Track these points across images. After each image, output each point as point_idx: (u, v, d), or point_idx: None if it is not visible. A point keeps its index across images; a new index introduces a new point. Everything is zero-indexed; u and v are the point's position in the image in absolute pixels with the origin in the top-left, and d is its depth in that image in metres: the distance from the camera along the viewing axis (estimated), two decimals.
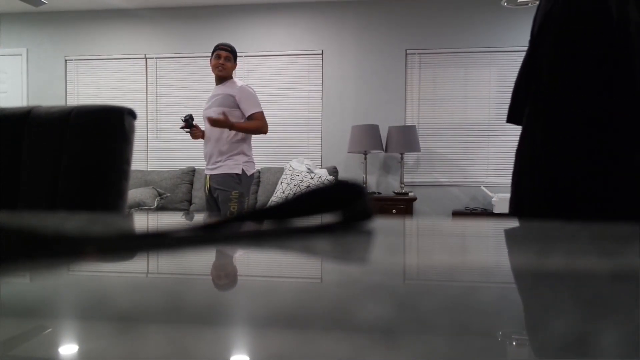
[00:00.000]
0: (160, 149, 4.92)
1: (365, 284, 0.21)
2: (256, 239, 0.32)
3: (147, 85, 4.93)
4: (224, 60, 2.85)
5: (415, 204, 4.53)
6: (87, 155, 0.96)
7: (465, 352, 0.13)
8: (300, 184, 4.09)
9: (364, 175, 4.40)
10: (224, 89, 2.83)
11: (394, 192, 4.33)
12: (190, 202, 4.53)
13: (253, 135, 2.89)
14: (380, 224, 0.41)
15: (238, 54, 4.79)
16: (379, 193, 4.45)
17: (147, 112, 4.93)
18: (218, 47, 2.90)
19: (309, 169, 4.25)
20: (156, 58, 4.90)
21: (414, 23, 4.57)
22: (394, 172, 4.59)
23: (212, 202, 2.84)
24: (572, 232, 0.36)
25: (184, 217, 0.48)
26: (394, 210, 4.11)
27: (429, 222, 0.45)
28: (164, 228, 0.32)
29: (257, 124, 2.78)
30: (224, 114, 2.69)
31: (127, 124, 0.98)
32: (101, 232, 0.35)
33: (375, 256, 0.27)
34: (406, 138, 4.17)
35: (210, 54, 4.78)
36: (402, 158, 4.35)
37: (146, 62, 4.92)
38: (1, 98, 5.09)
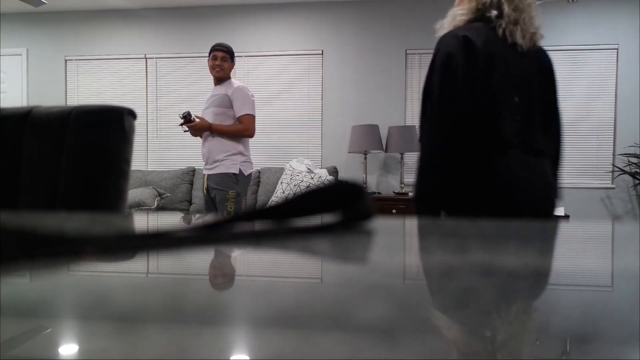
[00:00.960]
0: (160, 149, 4.92)
1: (365, 284, 0.21)
2: (256, 239, 0.32)
3: (147, 85, 4.93)
4: (221, 61, 2.87)
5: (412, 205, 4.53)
6: (87, 156, 0.96)
7: (464, 352, 0.13)
8: (300, 184, 4.09)
9: (364, 175, 4.39)
10: (222, 89, 2.84)
11: (394, 192, 4.33)
12: (190, 202, 4.53)
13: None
14: (380, 224, 0.41)
15: (237, 54, 4.80)
16: (379, 193, 4.45)
17: (147, 112, 4.93)
18: (214, 48, 2.92)
19: (309, 169, 4.25)
20: (156, 58, 4.90)
21: (414, 23, 4.57)
22: (394, 172, 4.59)
23: (210, 202, 2.84)
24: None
25: (183, 217, 0.48)
26: (394, 210, 4.11)
27: (429, 222, 0.45)
28: (164, 228, 0.32)
29: (238, 128, 2.77)
30: (200, 117, 2.74)
31: (127, 124, 0.98)
32: (101, 232, 0.35)
33: (375, 256, 0.27)
34: (406, 138, 4.16)
35: (207, 53, 4.79)
36: (402, 158, 4.35)
37: (146, 62, 4.92)
38: (1, 98, 5.09)
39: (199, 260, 0.27)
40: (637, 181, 4.19)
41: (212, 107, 2.81)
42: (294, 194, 0.37)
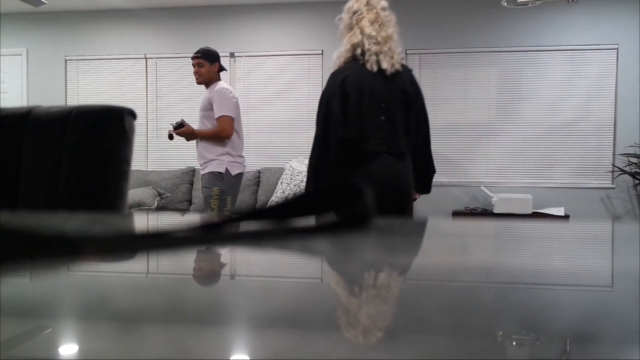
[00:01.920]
0: (160, 149, 4.92)
1: (364, 284, 0.21)
2: (256, 239, 0.32)
3: (147, 86, 4.93)
4: (197, 68, 2.93)
5: (415, 204, 4.52)
6: (87, 156, 0.96)
7: (464, 351, 0.13)
8: (300, 184, 4.09)
9: None
10: (208, 92, 2.92)
11: None
12: (190, 202, 4.53)
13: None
14: (380, 224, 0.41)
15: (237, 54, 4.80)
16: None
17: (147, 112, 4.93)
18: (192, 58, 2.98)
19: None
20: (156, 58, 4.90)
21: (414, 23, 4.57)
22: None
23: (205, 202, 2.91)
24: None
25: (183, 217, 0.48)
26: None
27: (429, 223, 0.45)
28: (164, 228, 0.32)
29: (214, 130, 2.82)
30: (182, 123, 2.84)
31: (127, 124, 0.98)
32: (101, 232, 0.35)
33: (375, 256, 0.27)
34: None
35: None
36: None
37: (146, 62, 4.92)
38: (1, 98, 5.09)
39: (199, 260, 0.27)
40: (637, 181, 4.19)
41: (200, 110, 2.91)
42: (294, 194, 0.37)
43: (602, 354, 0.13)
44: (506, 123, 4.46)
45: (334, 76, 1.78)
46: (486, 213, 4.23)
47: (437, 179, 4.64)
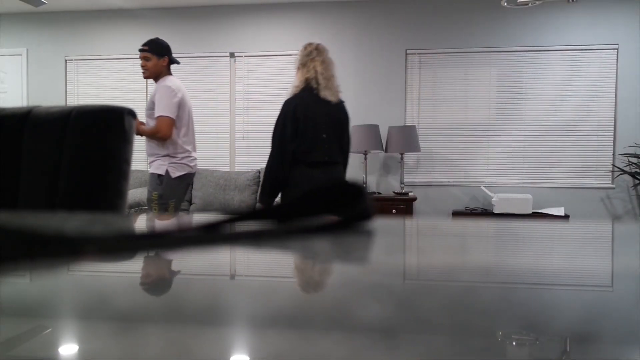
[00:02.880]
0: None
1: (364, 284, 0.21)
2: (256, 239, 0.32)
3: (147, 86, 4.93)
4: (144, 62, 2.78)
5: (415, 204, 4.53)
6: (87, 155, 0.96)
7: (464, 351, 0.13)
8: None
9: (364, 175, 4.40)
10: (154, 89, 2.79)
11: (394, 192, 4.33)
12: (190, 202, 4.54)
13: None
14: (380, 224, 0.41)
15: (237, 54, 4.80)
16: (379, 193, 4.45)
17: None
18: (139, 50, 2.80)
19: None
20: None
21: (414, 23, 4.57)
22: (394, 172, 4.59)
23: None
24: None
25: (183, 217, 0.48)
26: (394, 210, 4.11)
27: (429, 222, 0.45)
28: (164, 228, 0.32)
29: (151, 130, 2.67)
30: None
31: (127, 124, 0.98)
32: (101, 232, 0.35)
33: (375, 256, 0.27)
34: (406, 138, 4.16)
35: (208, 54, 4.80)
36: (402, 158, 4.35)
37: None
38: (1, 98, 5.09)
39: (199, 260, 0.27)
40: (637, 181, 4.19)
41: (145, 109, 2.77)
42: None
43: (602, 354, 0.13)
44: (506, 123, 4.46)
45: (288, 104, 2.34)
46: (486, 213, 4.23)
47: (437, 179, 4.67)
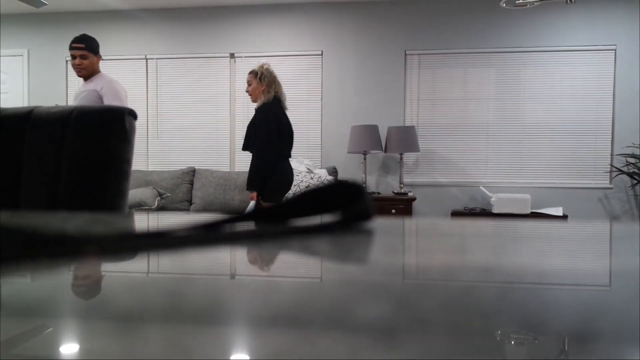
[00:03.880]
0: (161, 149, 4.92)
1: (364, 283, 0.21)
2: (256, 239, 0.32)
3: (147, 86, 4.92)
4: (80, 59, 2.67)
5: (415, 204, 4.53)
6: (87, 156, 0.96)
7: (464, 351, 0.13)
8: (300, 183, 4.09)
9: (364, 176, 4.40)
10: (91, 84, 2.68)
11: (393, 192, 4.33)
12: (190, 202, 4.53)
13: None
14: (380, 224, 0.41)
15: (237, 54, 4.80)
16: (378, 193, 4.45)
17: (147, 113, 4.93)
18: (71, 46, 2.66)
19: (308, 169, 4.25)
20: (156, 59, 4.90)
21: (413, 24, 4.57)
22: (393, 172, 4.59)
23: None
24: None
25: (183, 217, 0.48)
26: (393, 210, 4.11)
27: (428, 222, 0.45)
28: (164, 228, 0.32)
29: None
30: None
31: (128, 124, 0.98)
32: (102, 232, 0.35)
33: (375, 256, 0.27)
34: (405, 138, 4.17)
35: (208, 55, 4.80)
36: (401, 158, 4.35)
37: (146, 63, 4.92)
38: (2, 99, 5.09)
39: (199, 260, 0.27)
40: (635, 181, 4.19)
41: (84, 103, 2.66)
42: (294, 194, 0.37)
43: (602, 353, 0.13)
44: (505, 123, 4.46)
45: (269, 109, 2.92)
46: (485, 213, 4.23)
47: (436, 179, 4.67)
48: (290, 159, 3.11)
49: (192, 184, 4.59)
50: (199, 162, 4.85)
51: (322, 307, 0.17)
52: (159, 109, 4.92)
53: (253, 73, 3.00)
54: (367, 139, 4.19)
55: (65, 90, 5.04)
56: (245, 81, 3.08)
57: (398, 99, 4.58)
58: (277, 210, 0.37)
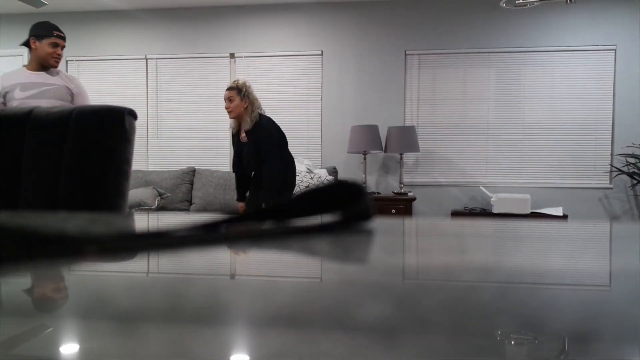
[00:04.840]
0: (161, 149, 4.92)
1: (364, 283, 0.21)
2: (256, 239, 0.32)
3: (147, 86, 4.93)
4: (61, 50, 2.56)
5: (415, 204, 4.53)
6: (87, 156, 0.96)
7: (464, 351, 0.13)
8: (300, 184, 4.09)
9: (364, 176, 4.40)
10: (57, 79, 2.55)
11: (393, 192, 4.33)
12: (190, 202, 4.53)
13: None
14: (380, 224, 0.41)
15: (237, 54, 4.81)
16: (378, 193, 4.45)
17: (147, 113, 4.93)
18: (58, 35, 2.53)
19: (308, 169, 4.25)
20: (157, 59, 4.90)
21: (413, 24, 4.57)
22: (393, 172, 4.59)
23: None
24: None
25: (183, 217, 0.48)
26: (393, 210, 4.11)
27: (428, 222, 0.45)
28: (164, 228, 0.32)
29: None
30: None
31: (128, 124, 0.98)
32: (102, 232, 0.35)
33: (375, 256, 0.27)
34: (405, 138, 4.17)
35: (208, 55, 4.80)
36: (401, 158, 4.35)
37: (147, 63, 4.92)
38: None
39: (199, 260, 0.27)
40: (635, 181, 4.19)
41: (50, 97, 2.49)
42: (294, 194, 0.37)
43: (602, 354, 0.13)
44: (505, 123, 4.46)
45: (271, 120, 2.96)
46: (485, 213, 4.23)
47: (436, 179, 4.67)
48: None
49: (192, 184, 4.59)
50: (199, 162, 4.85)
51: (322, 307, 0.17)
52: (159, 109, 4.92)
53: (235, 90, 2.87)
54: (367, 139, 4.19)
55: None
56: (224, 98, 2.91)
57: (398, 99, 4.58)
58: (277, 210, 0.37)
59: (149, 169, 4.84)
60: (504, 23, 4.46)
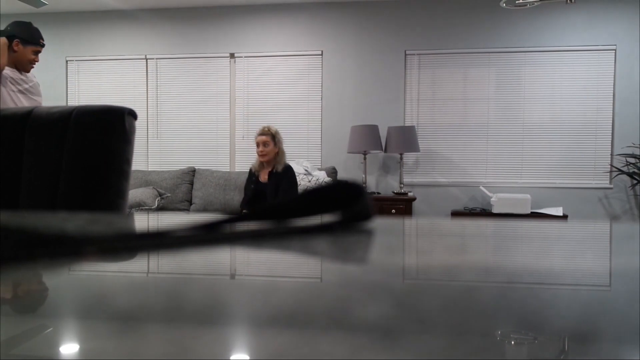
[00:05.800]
0: (161, 150, 4.92)
1: (364, 283, 0.21)
2: (256, 239, 0.32)
3: (147, 86, 4.92)
4: (37, 57, 2.59)
5: (415, 204, 4.53)
6: (87, 156, 0.96)
7: (464, 351, 0.13)
8: (298, 186, 4.10)
9: (364, 176, 4.40)
10: (31, 77, 2.60)
11: (393, 192, 4.33)
12: (190, 202, 4.53)
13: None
14: (380, 224, 0.41)
15: (237, 54, 4.81)
16: (378, 193, 4.45)
17: (147, 113, 4.93)
18: (42, 43, 2.58)
19: (307, 171, 4.25)
20: (156, 59, 4.90)
21: (413, 24, 4.57)
22: (393, 172, 4.59)
23: None
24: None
25: (183, 217, 0.48)
26: (393, 210, 4.11)
27: (428, 222, 0.45)
28: (164, 228, 0.32)
29: None
30: None
31: (128, 124, 0.98)
32: (102, 232, 0.35)
33: (375, 256, 0.27)
34: (405, 138, 4.17)
35: (208, 55, 4.79)
36: (401, 158, 4.35)
37: (147, 63, 4.92)
38: None
39: (199, 260, 0.27)
40: (635, 181, 4.19)
41: (38, 96, 2.56)
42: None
43: (602, 354, 0.13)
44: (505, 123, 4.46)
45: (292, 170, 3.20)
46: (485, 213, 4.23)
47: (436, 179, 4.67)
48: (289, 162, 3.29)
49: (192, 184, 4.59)
50: (199, 162, 4.85)
51: (322, 307, 0.17)
52: (159, 109, 4.92)
53: (269, 135, 3.09)
54: (367, 139, 4.19)
55: (65, 90, 5.04)
56: (257, 142, 3.14)
57: (398, 98, 4.58)
58: (277, 210, 0.37)
59: (149, 169, 4.84)
60: (504, 23, 4.46)
